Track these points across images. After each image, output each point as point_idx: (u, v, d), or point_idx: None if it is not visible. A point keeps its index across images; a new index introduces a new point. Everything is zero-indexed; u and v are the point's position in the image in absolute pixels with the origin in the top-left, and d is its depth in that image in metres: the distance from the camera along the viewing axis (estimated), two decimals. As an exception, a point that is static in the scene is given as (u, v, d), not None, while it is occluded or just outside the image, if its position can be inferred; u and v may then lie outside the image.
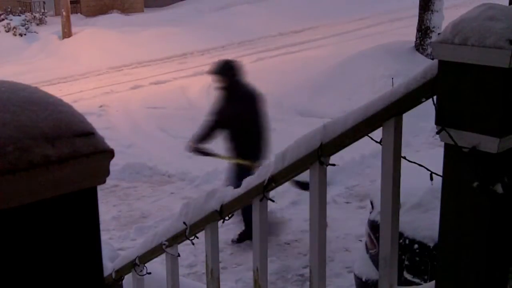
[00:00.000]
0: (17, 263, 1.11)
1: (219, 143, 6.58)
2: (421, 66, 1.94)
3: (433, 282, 1.95)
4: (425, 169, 2.03)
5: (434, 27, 12.16)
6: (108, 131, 10.12)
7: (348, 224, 6.70)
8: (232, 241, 6.44)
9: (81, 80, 15.24)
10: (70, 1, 19.40)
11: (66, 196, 1.14)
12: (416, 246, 3.80)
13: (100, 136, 1.19)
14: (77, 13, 22.34)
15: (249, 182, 2.45)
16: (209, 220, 2.69)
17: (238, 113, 6.27)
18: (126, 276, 3.44)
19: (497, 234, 1.75)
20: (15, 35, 18.87)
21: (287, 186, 6.25)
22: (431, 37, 12.01)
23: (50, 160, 1.09)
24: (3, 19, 19.38)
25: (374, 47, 12.57)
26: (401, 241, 3.65)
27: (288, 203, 7.26)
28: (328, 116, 8.93)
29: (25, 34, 18.93)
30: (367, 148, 7.86)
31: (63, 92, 13.41)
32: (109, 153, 1.17)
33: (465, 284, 1.80)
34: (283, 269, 5.91)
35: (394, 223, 2.05)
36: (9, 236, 1.09)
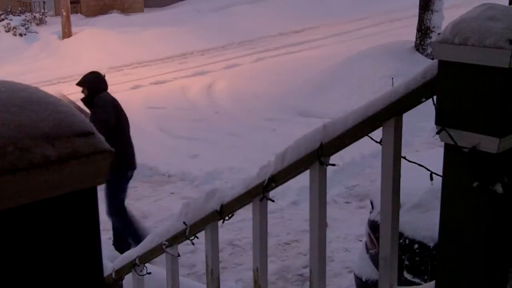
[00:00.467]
0: (17, 263, 1.11)
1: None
2: (421, 66, 1.94)
3: (433, 282, 1.95)
4: (425, 169, 2.03)
5: (434, 27, 12.17)
6: (108, 131, 10.11)
7: (348, 224, 6.70)
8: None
9: (81, 80, 15.22)
10: (70, 1, 19.40)
11: (66, 196, 1.14)
12: (416, 246, 3.80)
13: (100, 136, 1.19)
14: (77, 13, 22.35)
15: (249, 182, 2.45)
16: (209, 220, 2.69)
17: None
18: (126, 276, 3.44)
19: (497, 234, 1.75)
20: (15, 35, 18.87)
21: (287, 186, 6.26)
22: (431, 37, 12.01)
23: (50, 160, 1.09)
24: (3, 19, 19.39)
25: (374, 47, 12.58)
26: (401, 241, 3.65)
27: (288, 203, 7.26)
28: (328, 116, 8.94)
29: (25, 34, 18.94)
30: (367, 148, 7.88)
31: (63, 92, 13.39)
32: (109, 153, 1.18)
33: (465, 284, 1.80)
34: (283, 269, 5.91)
35: (394, 223, 2.05)
36: (9, 236, 1.09)
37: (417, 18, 12.53)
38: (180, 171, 8.63)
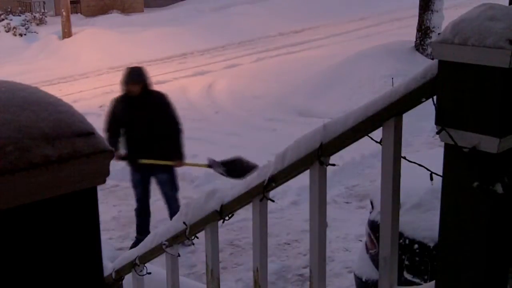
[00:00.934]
0: (17, 263, 1.11)
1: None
2: (421, 66, 1.94)
3: (433, 282, 1.95)
4: (425, 169, 2.03)
5: (434, 27, 12.17)
6: (108, 131, 10.10)
7: (348, 224, 6.70)
8: None
9: (81, 80, 15.23)
10: (70, 1, 19.41)
11: (66, 196, 1.14)
12: (416, 246, 3.80)
13: (100, 136, 1.19)
14: (77, 13, 22.36)
15: (249, 182, 2.45)
16: (209, 220, 2.69)
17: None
18: (126, 276, 3.44)
19: (497, 234, 1.75)
20: (15, 35, 18.88)
21: (287, 186, 6.25)
22: (431, 37, 12.01)
23: (50, 160, 1.09)
24: (3, 19, 19.39)
25: (374, 47, 12.58)
26: (401, 241, 3.65)
27: (288, 203, 7.26)
28: (328, 116, 8.93)
29: (25, 34, 18.95)
30: (367, 148, 7.87)
31: (63, 92, 13.40)
32: (109, 153, 1.18)
33: (465, 284, 1.80)
34: (283, 269, 5.91)
35: (394, 223, 2.05)
36: (9, 236, 1.09)
37: (417, 18, 12.53)
38: (180, 171, 8.60)
